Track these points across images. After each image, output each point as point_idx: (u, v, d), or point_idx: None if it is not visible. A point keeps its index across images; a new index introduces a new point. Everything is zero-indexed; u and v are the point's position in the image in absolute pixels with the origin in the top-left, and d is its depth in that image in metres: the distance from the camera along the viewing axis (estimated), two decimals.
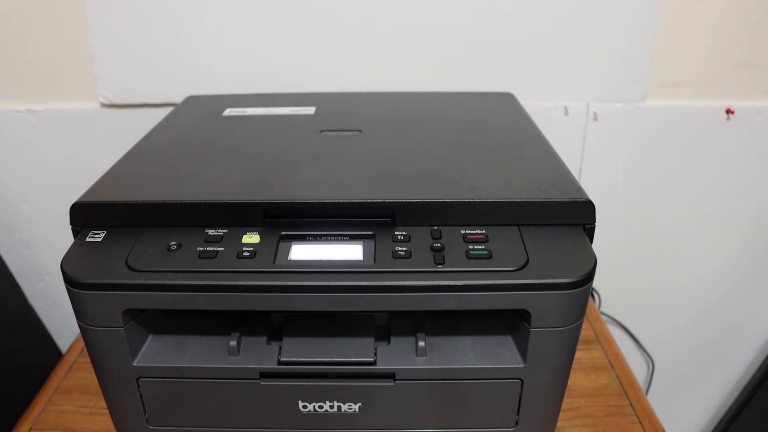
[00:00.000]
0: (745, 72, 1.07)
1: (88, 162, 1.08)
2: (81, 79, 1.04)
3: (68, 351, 0.95)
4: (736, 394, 1.39)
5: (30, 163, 1.11)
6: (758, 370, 1.33)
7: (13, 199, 1.15)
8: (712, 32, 1.03)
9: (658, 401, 0.91)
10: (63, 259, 0.52)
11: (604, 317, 1.20)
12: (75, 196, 0.56)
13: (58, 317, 1.29)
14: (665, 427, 0.81)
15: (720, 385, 1.42)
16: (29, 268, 1.23)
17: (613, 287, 1.24)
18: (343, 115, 0.78)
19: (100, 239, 0.54)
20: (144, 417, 0.59)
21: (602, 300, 1.26)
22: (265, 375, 0.55)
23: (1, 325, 1.13)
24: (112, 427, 0.62)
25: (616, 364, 0.91)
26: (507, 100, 0.87)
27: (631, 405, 0.83)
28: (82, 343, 0.73)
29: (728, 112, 1.09)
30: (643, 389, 0.88)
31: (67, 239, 0.55)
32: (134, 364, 0.55)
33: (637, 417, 0.81)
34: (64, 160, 1.10)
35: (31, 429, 0.81)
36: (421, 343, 0.55)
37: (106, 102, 1.05)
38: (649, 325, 1.31)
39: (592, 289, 0.64)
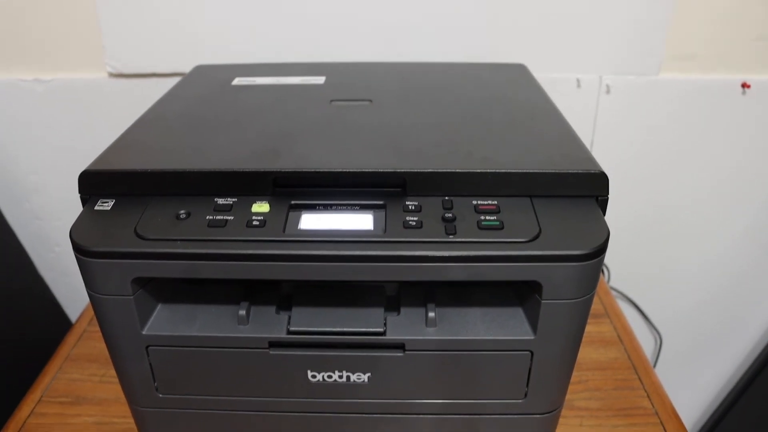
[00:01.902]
0: (762, 45, 1.05)
1: (96, 132, 1.08)
2: (89, 48, 1.03)
3: (78, 320, 0.96)
4: (743, 370, 1.39)
5: (38, 134, 1.11)
6: (766, 346, 1.33)
7: (22, 169, 1.15)
8: (728, 3, 1.01)
9: (665, 376, 0.91)
10: (72, 227, 0.52)
11: (613, 292, 1.20)
12: (84, 167, 0.56)
13: (68, 287, 1.30)
14: (673, 401, 0.81)
15: (728, 360, 1.42)
16: (39, 239, 1.23)
17: (623, 262, 1.24)
18: (354, 85, 0.77)
19: (108, 208, 0.54)
20: (153, 385, 0.59)
21: (612, 275, 1.26)
22: (274, 344, 0.55)
23: (11, 295, 1.14)
24: (122, 396, 0.62)
25: (624, 338, 0.90)
26: (519, 71, 0.86)
27: (639, 379, 0.84)
28: (92, 313, 0.73)
29: (744, 86, 1.07)
30: (651, 364, 0.88)
31: (76, 209, 0.55)
32: (143, 333, 0.55)
33: (645, 391, 0.82)
34: (72, 130, 1.09)
35: (42, 397, 0.82)
36: (431, 314, 0.55)
37: (114, 72, 1.04)
38: (658, 300, 1.31)
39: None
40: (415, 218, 0.51)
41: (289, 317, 0.55)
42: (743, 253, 1.26)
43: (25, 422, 0.78)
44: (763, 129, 1.11)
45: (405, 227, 0.51)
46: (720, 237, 1.24)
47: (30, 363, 0.97)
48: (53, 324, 1.25)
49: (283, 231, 0.51)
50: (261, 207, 0.53)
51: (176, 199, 0.54)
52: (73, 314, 1.31)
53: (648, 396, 0.81)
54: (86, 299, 0.55)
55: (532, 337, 0.54)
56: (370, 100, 0.71)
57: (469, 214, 0.52)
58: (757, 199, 1.19)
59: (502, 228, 0.50)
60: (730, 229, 1.23)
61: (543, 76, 0.87)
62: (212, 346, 0.56)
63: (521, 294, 0.56)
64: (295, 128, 0.63)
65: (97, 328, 0.57)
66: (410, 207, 0.53)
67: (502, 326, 0.55)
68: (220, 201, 0.54)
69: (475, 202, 0.53)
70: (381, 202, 0.53)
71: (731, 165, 1.15)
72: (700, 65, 1.06)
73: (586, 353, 0.88)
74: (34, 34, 1.03)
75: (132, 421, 0.64)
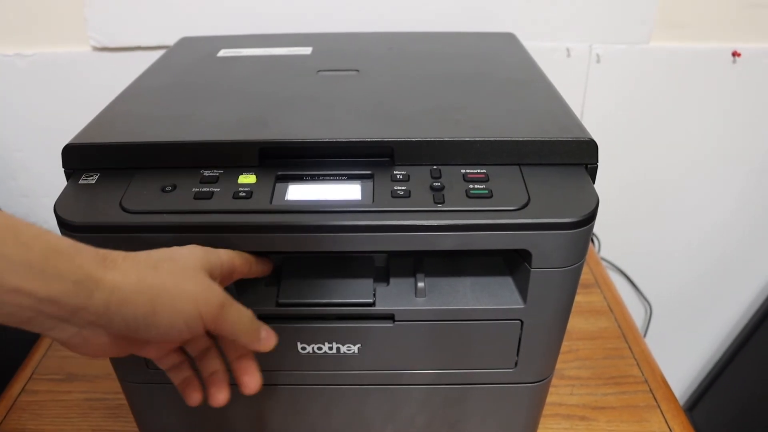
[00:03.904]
0: (753, 12, 1.04)
1: (81, 107, 1.05)
2: (71, 22, 1.01)
3: None
4: (732, 338, 1.41)
5: (21, 110, 1.09)
6: (754, 315, 1.34)
7: (7, 146, 1.13)
8: None
9: (655, 345, 0.92)
10: (56, 201, 0.51)
11: (603, 262, 1.21)
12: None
13: None
14: (662, 370, 0.81)
15: (716, 330, 1.44)
16: (26, 217, 1.22)
17: (613, 232, 1.24)
18: (341, 55, 0.76)
19: (93, 181, 0.53)
20: (143, 360, 0.58)
21: (602, 245, 1.26)
22: (263, 317, 0.54)
23: None
24: (113, 372, 0.62)
25: (615, 308, 0.91)
26: (508, 40, 0.85)
27: (629, 347, 0.84)
28: None
29: (735, 54, 1.06)
30: (641, 333, 0.89)
31: (63, 186, 0.54)
32: None
33: (635, 359, 0.82)
34: (56, 105, 1.08)
35: (33, 374, 0.82)
36: (421, 284, 0.55)
37: (98, 45, 1.02)
38: (648, 270, 1.32)
39: (592, 233, 0.64)
40: (404, 188, 0.51)
41: (278, 289, 0.55)
42: (733, 222, 1.26)
43: (16, 399, 0.78)
44: (753, 97, 1.10)
45: (393, 197, 0.50)
46: (710, 207, 1.24)
47: (21, 341, 0.96)
48: None
49: (270, 202, 0.50)
50: (247, 178, 0.52)
51: (162, 171, 0.53)
52: None
53: (638, 364, 0.81)
54: None
55: (522, 306, 0.54)
56: (357, 70, 0.70)
57: (457, 183, 0.51)
58: (747, 167, 1.19)
59: (491, 196, 0.50)
60: (720, 199, 1.23)
61: (532, 45, 0.86)
62: None
63: (511, 263, 0.56)
64: (282, 99, 0.62)
65: None
66: (398, 176, 0.52)
67: (491, 295, 0.55)
68: (206, 173, 0.53)
69: (463, 171, 0.53)
70: (369, 172, 0.53)
71: (721, 134, 1.15)
72: (690, 34, 1.06)
73: (576, 323, 0.88)
74: (14, 7, 1.00)
75: (123, 396, 0.64)
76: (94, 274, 0.38)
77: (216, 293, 0.44)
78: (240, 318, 0.46)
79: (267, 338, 0.48)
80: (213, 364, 0.50)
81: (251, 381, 0.49)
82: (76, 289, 0.37)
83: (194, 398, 0.50)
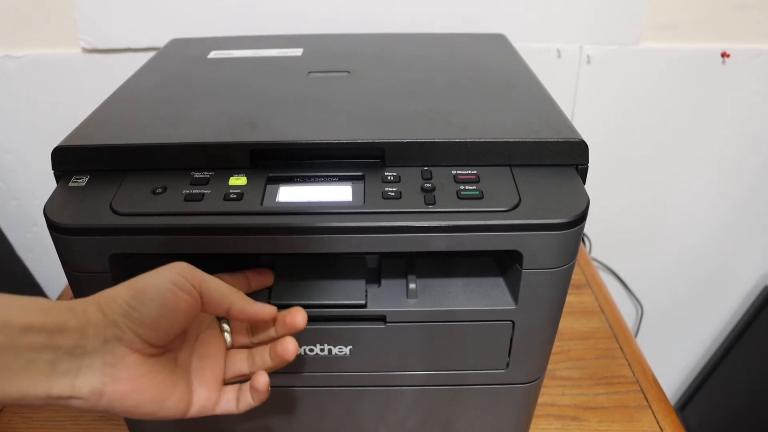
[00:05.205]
0: (742, 14, 1.04)
1: (71, 109, 1.04)
2: (61, 23, 1.01)
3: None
4: (723, 337, 1.41)
5: (11, 111, 1.08)
6: (744, 314, 1.35)
7: None
8: None
9: (646, 345, 0.92)
10: (46, 204, 0.51)
11: (594, 263, 1.21)
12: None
13: (47, 268, 1.28)
14: (653, 369, 0.82)
15: (707, 329, 1.44)
16: (16, 219, 1.21)
17: (604, 233, 1.24)
18: (331, 57, 0.76)
19: (83, 184, 0.53)
20: None
21: (593, 246, 1.26)
22: None
23: None
24: None
25: (606, 308, 0.91)
26: (499, 41, 0.85)
27: (621, 348, 0.84)
28: (71, 294, 0.72)
29: (724, 55, 1.07)
30: (632, 333, 0.89)
31: (53, 188, 0.54)
32: None
33: (626, 359, 0.82)
34: (47, 108, 1.07)
35: None
36: (412, 285, 0.55)
37: (88, 47, 1.02)
38: (639, 271, 1.32)
39: (583, 234, 0.64)
40: (394, 189, 0.51)
41: (269, 291, 0.55)
42: (724, 222, 1.27)
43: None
44: (742, 98, 1.11)
45: (384, 198, 0.50)
46: (701, 207, 1.25)
47: None
48: None
49: (261, 204, 0.50)
50: (238, 180, 0.52)
51: (152, 173, 0.53)
52: (53, 295, 1.30)
53: (629, 364, 0.82)
54: (66, 280, 0.54)
55: (514, 307, 0.54)
56: (348, 71, 0.70)
57: (448, 184, 0.51)
58: (737, 167, 1.20)
59: (482, 197, 0.50)
60: (710, 200, 1.24)
61: (523, 46, 0.86)
62: None
63: (502, 264, 0.56)
64: (273, 100, 0.62)
65: None
66: (389, 178, 0.52)
67: (483, 296, 0.55)
68: (197, 175, 0.53)
69: (454, 172, 0.53)
70: (360, 174, 0.53)
71: (711, 134, 1.15)
72: (680, 35, 1.06)
73: (567, 323, 0.88)
74: (3, 9, 1.00)
75: None
76: (76, 300, 0.43)
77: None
78: (219, 282, 0.47)
79: (263, 306, 0.49)
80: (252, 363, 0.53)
81: (289, 344, 0.49)
82: (71, 313, 0.41)
83: (262, 383, 0.50)
